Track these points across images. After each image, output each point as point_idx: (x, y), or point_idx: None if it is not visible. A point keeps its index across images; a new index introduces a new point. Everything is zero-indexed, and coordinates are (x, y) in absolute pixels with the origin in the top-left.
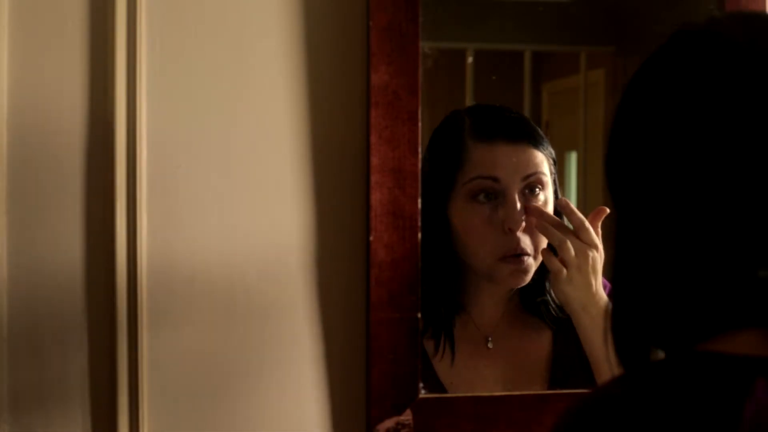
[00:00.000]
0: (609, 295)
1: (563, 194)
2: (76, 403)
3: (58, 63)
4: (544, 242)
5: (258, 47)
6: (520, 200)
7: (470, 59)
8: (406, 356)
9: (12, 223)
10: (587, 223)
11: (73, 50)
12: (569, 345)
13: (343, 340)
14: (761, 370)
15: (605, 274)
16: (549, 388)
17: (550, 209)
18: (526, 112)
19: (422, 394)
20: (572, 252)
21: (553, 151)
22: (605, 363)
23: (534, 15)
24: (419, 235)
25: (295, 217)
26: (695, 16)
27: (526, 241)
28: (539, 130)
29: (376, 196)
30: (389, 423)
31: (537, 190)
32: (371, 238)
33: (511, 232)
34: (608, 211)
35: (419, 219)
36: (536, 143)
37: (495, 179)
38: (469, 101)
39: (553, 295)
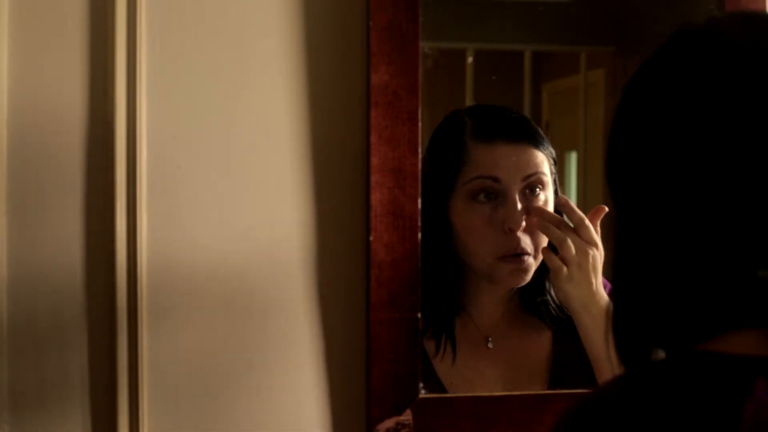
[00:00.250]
0: (609, 294)
1: (563, 194)
2: (76, 403)
3: (58, 63)
4: (544, 242)
5: (258, 47)
6: (520, 200)
7: (470, 59)
8: (406, 356)
9: (12, 223)
10: (587, 221)
11: (73, 50)
12: (569, 345)
13: (343, 340)
14: (761, 370)
15: (605, 274)
16: (549, 388)
17: (550, 209)
18: (526, 112)
19: (422, 394)
20: (573, 250)
21: (553, 151)
22: (606, 362)
23: (534, 15)
24: (419, 235)
25: (295, 217)
26: (695, 16)
27: (526, 241)
28: (539, 130)
29: (376, 196)
30: (389, 423)
31: (537, 190)
32: (371, 238)
33: (512, 232)
34: (607, 209)
35: (419, 219)
36: (536, 143)
37: (495, 179)
38: (469, 101)
39: (553, 294)
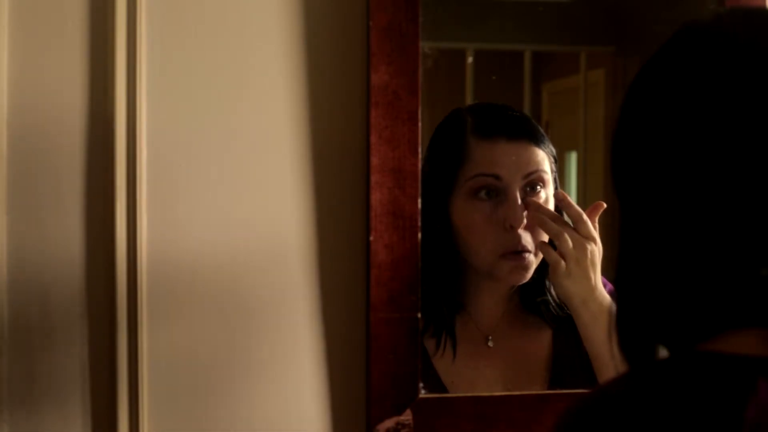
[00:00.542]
0: (610, 294)
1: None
2: (76, 402)
3: (58, 63)
4: (544, 240)
5: (258, 47)
6: (521, 198)
7: (470, 59)
8: (406, 356)
9: (12, 223)
10: (585, 216)
11: (73, 50)
12: (569, 344)
13: (343, 340)
14: (763, 370)
15: (605, 273)
16: (549, 388)
17: (551, 207)
18: (526, 112)
19: (422, 394)
20: (570, 244)
21: (554, 150)
22: (606, 360)
23: (534, 15)
24: (419, 235)
25: (295, 217)
26: (695, 16)
27: (527, 238)
28: (540, 128)
29: (376, 196)
30: (389, 423)
31: (538, 187)
32: (371, 238)
33: (513, 230)
34: (605, 206)
35: (419, 219)
36: (537, 141)
37: (496, 177)
38: (469, 101)
39: (553, 294)
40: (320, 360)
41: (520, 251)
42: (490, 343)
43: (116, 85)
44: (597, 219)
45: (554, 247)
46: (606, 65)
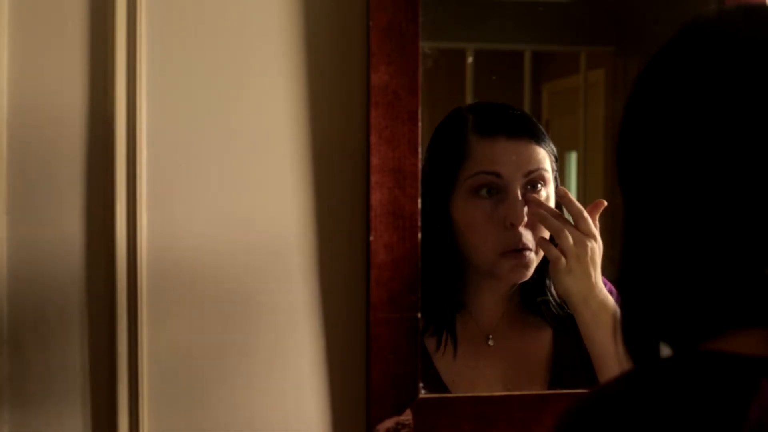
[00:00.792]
0: (612, 292)
1: None
2: (76, 401)
3: (58, 63)
4: (545, 236)
5: (258, 47)
6: (522, 196)
7: (470, 59)
8: (406, 356)
9: (12, 222)
10: (586, 213)
11: (73, 50)
12: (570, 344)
13: (343, 340)
14: (766, 370)
15: (604, 272)
16: (549, 387)
17: (552, 206)
18: (526, 111)
19: (422, 394)
20: (570, 240)
21: (554, 148)
22: (607, 358)
23: (534, 15)
24: (419, 235)
25: (295, 217)
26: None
27: (527, 236)
28: (541, 127)
29: (376, 196)
30: (389, 423)
31: (539, 186)
32: (371, 238)
33: (513, 227)
34: (606, 204)
35: (419, 219)
36: (538, 140)
37: (497, 175)
38: (469, 101)
39: (554, 293)
40: (320, 360)
41: (520, 249)
42: (491, 342)
43: (116, 85)
44: (597, 217)
45: (555, 244)
46: (606, 65)
